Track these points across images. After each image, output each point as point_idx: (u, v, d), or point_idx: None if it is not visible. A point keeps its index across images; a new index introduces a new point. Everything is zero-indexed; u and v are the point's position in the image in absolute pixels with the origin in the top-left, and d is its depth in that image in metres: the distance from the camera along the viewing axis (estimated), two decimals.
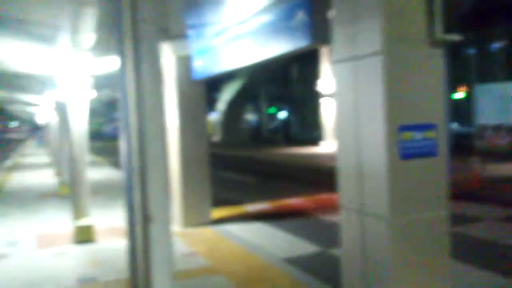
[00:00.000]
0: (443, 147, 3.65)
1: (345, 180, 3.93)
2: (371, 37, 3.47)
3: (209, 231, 7.77)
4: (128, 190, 2.88)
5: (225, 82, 37.28)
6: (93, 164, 20.01)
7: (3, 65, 11.83)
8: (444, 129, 3.67)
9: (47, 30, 7.32)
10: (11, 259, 6.45)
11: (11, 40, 8.77)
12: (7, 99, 25.52)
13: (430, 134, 3.58)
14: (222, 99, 38.13)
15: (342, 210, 3.98)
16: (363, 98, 3.61)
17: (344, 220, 3.97)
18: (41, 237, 7.65)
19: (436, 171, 3.63)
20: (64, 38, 7.05)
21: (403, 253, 3.50)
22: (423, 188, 3.58)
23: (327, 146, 27.96)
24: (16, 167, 21.47)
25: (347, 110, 3.82)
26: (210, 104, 35.87)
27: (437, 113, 3.63)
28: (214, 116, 40.03)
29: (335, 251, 6.48)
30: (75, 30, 6.31)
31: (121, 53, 2.75)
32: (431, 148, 3.59)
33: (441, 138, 3.64)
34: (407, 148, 3.48)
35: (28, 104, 26.65)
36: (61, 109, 13.28)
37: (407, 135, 3.48)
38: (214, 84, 36.08)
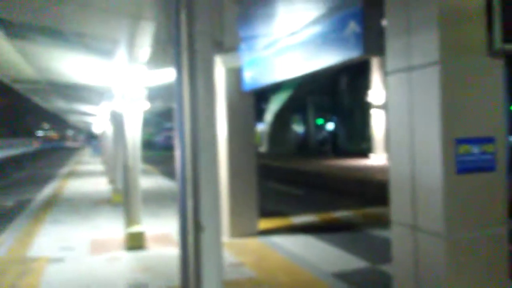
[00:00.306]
0: (502, 162, 3.48)
1: (397, 194, 3.82)
2: (426, 47, 3.38)
3: (256, 242, 7.77)
4: (181, 199, 2.94)
5: (273, 93, 37.45)
6: (144, 172, 20.62)
7: (64, 77, 12.51)
8: (504, 143, 3.50)
9: (106, 44, 7.68)
10: (66, 263, 6.71)
11: (72, 53, 9.26)
12: (66, 109, 26.91)
13: (488, 147, 3.43)
14: (269, 110, 38.28)
15: (394, 225, 3.87)
16: (417, 109, 3.52)
17: (396, 235, 3.86)
18: (94, 243, 7.94)
19: (494, 186, 3.47)
20: (121, 52, 7.35)
21: (459, 271, 3.35)
22: (480, 204, 3.42)
23: (377, 158, 27.36)
24: (72, 175, 22.47)
25: (400, 121, 3.73)
26: (258, 115, 36.11)
27: (496, 126, 3.48)
28: (261, 127, 40.23)
29: (386, 268, 6.30)
30: (132, 44, 6.58)
31: (178, 66, 2.83)
32: (489, 163, 3.44)
33: (500, 152, 3.47)
34: (464, 162, 3.35)
35: (85, 114, 27.97)
36: (116, 119, 13.83)
37: (464, 148, 3.35)
38: (262, 94, 36.36)
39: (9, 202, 13.84)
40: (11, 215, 11.37)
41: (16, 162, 38.06)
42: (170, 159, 36.20)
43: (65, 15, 6.78)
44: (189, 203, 2.96)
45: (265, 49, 6.96)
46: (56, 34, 8.03)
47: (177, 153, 2.94)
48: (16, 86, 16.65)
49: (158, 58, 6.87)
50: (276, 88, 35.52)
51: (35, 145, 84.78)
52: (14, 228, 9.48)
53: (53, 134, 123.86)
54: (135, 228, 7.53)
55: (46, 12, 6.88)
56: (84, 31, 7.54)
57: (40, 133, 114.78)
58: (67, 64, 10.69)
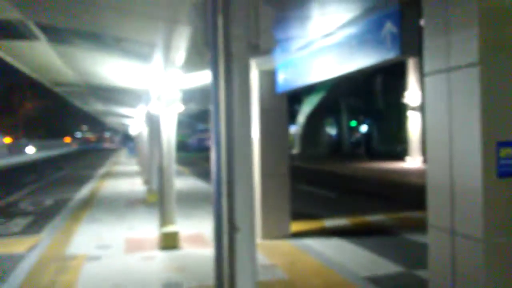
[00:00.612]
0: None
1: (434, 198, 3.74)
2: (466, 47, 3.30)
3: (288, 244, 7.76)
4: (216, 200, 2.98)
5: (306, 95, 37.27)
6: (178, 174, 20.91)
7: (103, 80, 12.87)
8: None
9: (143, 48, 7.86)
10: (102, 262, 6.89)
11: (111, 57, 9.52)
12: (103, 111, 27.67)
13: None
14: (302, 112, 38.13)
15: (431, 229, 3.78)
16: (456, 111, 3.44)
17: (433, 240, 3.77)
18: (129, 242, 8.12)
19: None
20: (158, 55, 7.51)
21: (498, 277, 3.24)
22: None
23: (413, 161, 26.79)
24: (109, 175, 23.06)
25: (438, 124, 3.65)
26: (291, 117, 36.03)
27: None
28: (294, 129, 40.10)
29: (421, 273, 6.17)
30: (168, 48, 6.71)
31: (214, 69, 2.88)
32: None
33: None
34: (506, 166, 3.24)
35: (122, 116, 28.68)
36: (151, 121, 14.11)
37: (506, 151, 3.25)
38: (295, 96, 36.25)
39: (49, 201, 14.34)
40: (51, 214, 11.78)
41: (55, 162, 39.40)
42: (203, 160, 36.63)
43: (104, 21, 6.98)
44: (224, 204, 3.00)
45: (299, 51, 6.96)
46: (96, 39, 8.28)
47: (212, 154, 2.98)
48: (57, 89, 17.26)
49: (193, 61, 6.97)
50: (309, 89, 35.36)
51: (73, 146, 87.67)
52: (53, 226, 9.82)
53: (90, 135, 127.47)
54: (170, 228, 7.66)
55: (86, 18, 7.11)
56: (123, 36, 7.74)
57: (78, 134, 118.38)
58: (106, 67, 10.99)
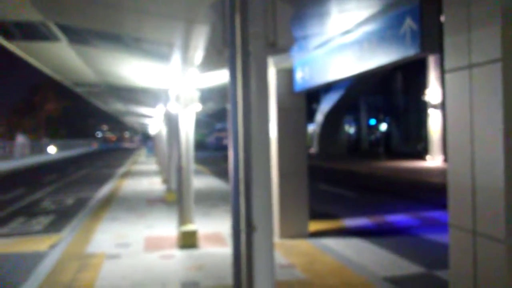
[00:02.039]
0: None
1: (456, 198, 3.67)
2: (488, 44, 3.22)
3: (306, 244, 7.72)
4: (234, 199, 2.98)
5: (324, 93, 37.07)
6: (196, 173, 21.05)
7: (123, 80, 13.02)
8: None
9: (161, 48, 7.91)
10: (122, 260, 6.96)
11: (130, 57, 9.62)
12: (123, 111, 28.00)
13: None
14: (320, 110, 37.93)
15: (452, 229, 3.71)
16: (478, 109, 3.36)
17: (454, 240, 3.70)
18: (148, 240, 8.20)
19: None
20: (176, 55, 7.55)
21: None
22: None
23: (434, 160, 26.40)
24: (128, 174, 23.34)
25: (459, 121, 3.57)
26: (309, 116, 35.91)
27: None
28: (312, 128, 39.93)
29: (442, 273, 6.07)
30: (186, 47, 6.74)
31: (232, 68, 2.87)
32: None
33: None
34: None
35: (142, 115, 28.98)
36: (170, 121, 14.22)
37: None
38: (313, 95, 36.07)
39: (70, 200, 14.59)
40: (72, 213, 11.98)
41: (76, 162, 40.06)
42: (221, 159, 36.76)
43: (123, 21, 7.06)
44: (242, 203, 2.99)
45: (317, 49, 6.91)
46: (115, 39, 8.37)
47: (230, 153, 2.98)
48: (78, 89, 17.54)
49: (211, 60, 6.98)
50: (327, 88, 35.15)
51: (94, 146, 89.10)
52: (74, 225, 9.98)
53: (111, 135, 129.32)
54: (188, 227, 7.70)
55: (106, 19, 7.19)
56: (141, 36, 7.81)
57: (99, 134, 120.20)
58: (125, 67, 11.11)
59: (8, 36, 8.60)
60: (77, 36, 8.44)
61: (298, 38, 6.43)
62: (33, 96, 69.79)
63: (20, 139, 47.08)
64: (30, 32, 8.23)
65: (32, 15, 7.12)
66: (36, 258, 7.25)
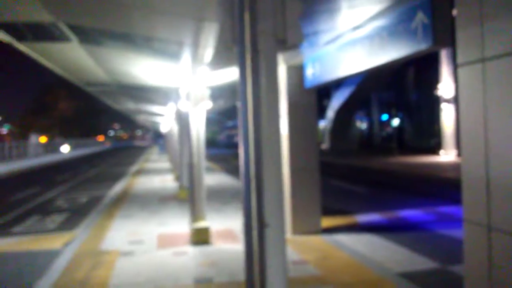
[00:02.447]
0: None
1: (470, 192, 3.62)
2: (502, 37, 3.17)
3: (318, 240, 7.71)
4: (245, 196, 2.98)
5: (335, 89, 36.87)
6: (208, 170, 21.13)
7: (133, 79, 13.11)
8: None
9: (172, 47, 7.94)
10: (136, 257, 7.02)
11: (140, 56, 9.67)
12: (134, 110, 28.20)
13: None
14: (331, 106, 37.75)
15: (466, 224, 3.67)
16: (492, 103, 3.31)
17: (468, 235, 3.65)
18: (161, 237, 8.25)
19: None
20: (186, 53, 7.58)
21: None
22: None
23: (447, 155, 26.15)
24: (141, 172, 23.50)
25: (473, 116, 3.52)
26: (320, 112, 35.74)
27: None
28: (323, 124, 39.78)
29: (456, 268, 6.01)
30: (196, 45, 6.75)
31: (241, 65, 2.87)
32: None
33: None
34: None
35: (153, 114, 29.15)
36: (181, 119, 14.27)
37: None
38: (324, 91, 35.89)
39: (83, 198, 14.74)
40: (85, 211, 12.10)
41: (89, 160, 40.46)
42: (232, 157, 36.83)
43: (133, 21, 7.10)
44: (253, 200, 2.99)
45: (327, 45, 6.87)
46: (126, 39, 8.43)
47: (241, 150, 2.98)
48: (89, 89, 17.69)
49: (221, 58, 7.00)
50: (338, 84, 34.95)
51: (106, 145, 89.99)
52: (87, 222, 10.09)
53: (123, 133, 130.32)
54: (201, 224, 7.73)
55: (117, 18, 7.24)
56: (151, 35, 7.84)
57: (111, 133, 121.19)
58: (136, 66, 11.18)
59: (20, 37, 8.70)
60: (87, 36, 8.51)
61: (308, 34, 6.40)
62: (46, 96, 70.64)
63: (34, 138, 47.71)
64: (41, 33, 8.32)
65: (43, 17, 7.20)
66: (51, 256, 7.34)
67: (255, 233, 2.98)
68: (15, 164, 32.24)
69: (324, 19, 5.95)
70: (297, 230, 8.09)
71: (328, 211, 9.62)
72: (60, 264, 6.68)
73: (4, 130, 75.28)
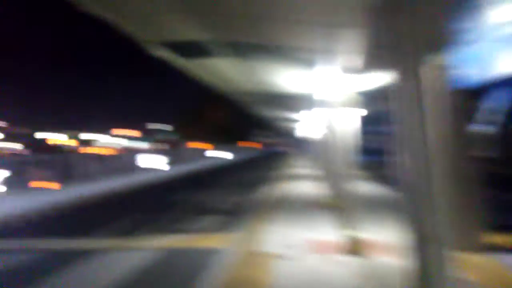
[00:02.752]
0: None
1: None
2: None
3: (487, 259, 6.91)
4: (406, 208, 2.87)
5: (491, 89, 33.07)
6: (359, 178, 20.62)
7: (278, 88, 13.65)
8: None
9: (318, 55, 8.04)
10: (290, 261, 7.14)
11: (286, 66, 10.02)
12: (280, 117, 29.23)
13: None
14: (488, 109, 33.88)
15: None
16: None
17: None
18: (310, 243, 8.27)
19: None
20: (332, 61, 7.59)
21: None
22: None
23: None
24: (288, 178, 24.00)
25: None
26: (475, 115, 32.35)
27: None
28: (480, 128, 35.91)
29: None
30: (343, 52, 6.73)
31: (397, 70, 2.80)
32: None
33: None
34: None
35: (292, 120, 29.85)
36: (329, 125, 14.29)
37: None
38: (477, 92, 32.43)
39: (236, 200, 15.55)
40: (237, 213, 12.78)
41: (242, 166, 43.18)
42: (373, 163, 35.44)
43: (283, 34, 7.37)
44: (413, 213, 2.87)
45: (481, 42, 6.24)
46: (271, 51, 8.82)
47: (399, 160, 2.88)
48: (244, 99, 18.88)
49: (370, 63, 6.86)
50: (495, 83, 31.30)
51: (258, 150, 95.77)
52: (240, 225, 10.64)
53: (270, 140, 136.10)
54: (352, 233, 7.58)
55: (263, 32, 7.60)
56: (299, 45, 8.04)
57: (259, 139, 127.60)
58: (280, 76, 11.63)
59: (180, 54, 9.71)
60: (240, 49, 9.12)
61: (457, 32, 5.89)
62: (200, 106, 77.59)
63: (191, 145, 52.98)
64: (198, 49, 9.16)
65: (201, 35, 7.92)
66: (212, 254, 7.92)
67: (418, 248, 2.85)
68: (175, 168, 35.90)
69: (476, 14, 5.41)
70: (461, 247, 7.35)
71: (497, 228, 8.59)
72: (223, 263, 7.15)
73: (174, 138, 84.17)
